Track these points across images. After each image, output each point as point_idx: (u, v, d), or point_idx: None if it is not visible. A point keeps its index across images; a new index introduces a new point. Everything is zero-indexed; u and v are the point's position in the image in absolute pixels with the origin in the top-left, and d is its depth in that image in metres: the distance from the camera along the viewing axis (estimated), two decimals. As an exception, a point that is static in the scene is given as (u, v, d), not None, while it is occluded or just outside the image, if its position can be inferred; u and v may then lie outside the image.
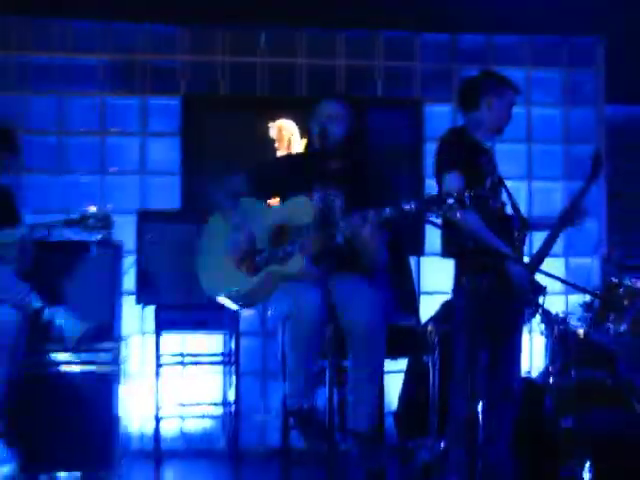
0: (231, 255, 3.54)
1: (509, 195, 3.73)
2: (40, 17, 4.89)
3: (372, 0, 4.65)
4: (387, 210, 3.30)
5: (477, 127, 3.63)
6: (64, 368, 3.99)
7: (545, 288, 3.95)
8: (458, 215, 3.19)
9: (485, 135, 3.65)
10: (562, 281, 4.00)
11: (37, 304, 3.55)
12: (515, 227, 3.63)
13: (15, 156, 3.85)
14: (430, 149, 4.22)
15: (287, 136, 5.00)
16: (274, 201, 3.74)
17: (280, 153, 4.94)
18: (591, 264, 4.68)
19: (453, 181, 3.47)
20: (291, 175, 3.50)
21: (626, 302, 3.77)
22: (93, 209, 3.77)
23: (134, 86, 5.03)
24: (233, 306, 3.71)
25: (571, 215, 3.72)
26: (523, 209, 4.92)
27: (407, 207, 3.27)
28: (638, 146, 5.16)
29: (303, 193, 3.32)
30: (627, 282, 3.81)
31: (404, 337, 4.29)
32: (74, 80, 4.98)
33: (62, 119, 4.99)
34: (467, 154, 3.53)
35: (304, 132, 4.85)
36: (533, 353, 4.74)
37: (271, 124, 5.00)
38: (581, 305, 4.13)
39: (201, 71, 5.07)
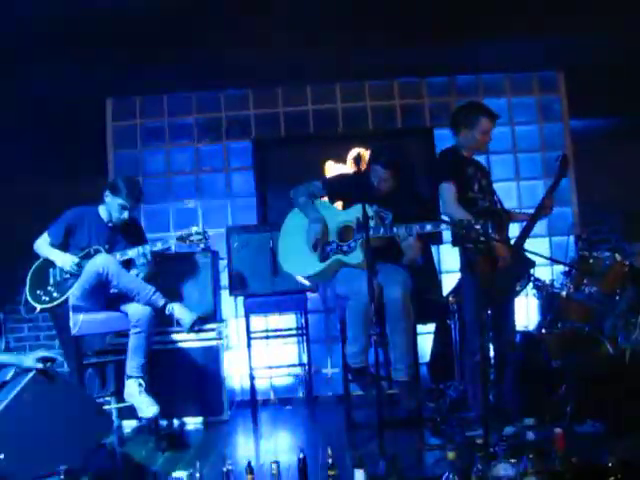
0: (309, 240, 3.58)
1: (496, 195, 3.73)
2: (152, 94, 5.07)
3: (389, 54, 4.62)
4: (428, 226, 3.33)
5: (461, 147, 3.64)
6: (183, 345, 4.14)
7: (534, 262, 3.94)
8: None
9: (468, 152, 3.64)
10: (545, 257, 4.00)
11: (161, 301, 3.59)
12: (500, 219, 3.61)
13: (139, 202, 3.93)
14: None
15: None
16: (339, 205, 3.79)
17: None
18: (567, 241, 4.63)
19: (447, 189, 3.49)
20: (355, 190, 3.46)
21: (595, 269, 3.73)
22: (195, 228, 3.86)
23: (218, 135, 5.13)
24: (305, 282, 3.75)
25: (545, 207, 3.70)
26: (514, 203, 4.96)
27: (444, 227, 3.32)
28: (594, 149, 5.05)
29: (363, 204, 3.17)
30: (595, 254, 3.78)
31: (431, 307, 4.31)
32: (176, 135, 5.14)
33: (169, 164, 5.14)
34: (456, 167, 3.54)
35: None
36: (529, 311, 4.67)
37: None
38: (562, 273, 4.08)
39: (266, 120, 5.13)
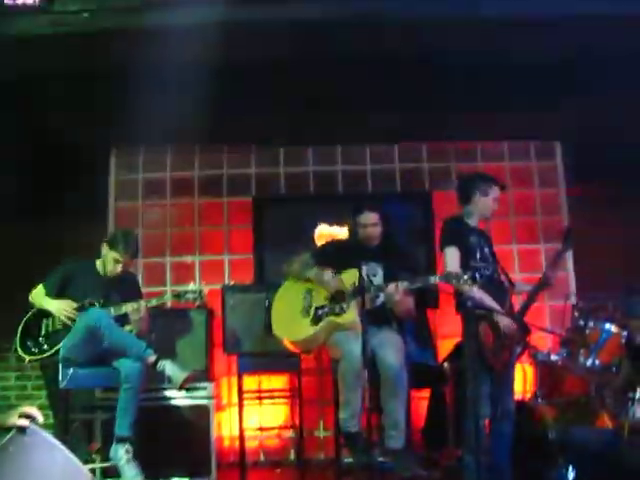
0: (309, 302, 3.66)
1: (499, 264, 3.74)
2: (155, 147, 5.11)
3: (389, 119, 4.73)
4: (417, 281, 3.37)
5: (469, 215, 3.67)
6: (173, 402, 4.03)
7: (530, 330, 3.89)
8: (470, 288, 3.25)
9: (475, 221, 3.68)
10: (541, 328, 3.99)
11: (153, 357, 3.56)
12: (503, 287, 3.61)
13: (134, 257, 3.95)
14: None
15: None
16: (329, 271, 3.79)
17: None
18: (564, 309, 4.61)
19: (450, 253, 3.52)
20: (345, 255, 3.61)
21: (592, 339, 3.70)
22: (191, 285, 3.85)
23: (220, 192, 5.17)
24: (295, 348, 3.72)
25: (548, 279, 3.69)
26: (510, 268, 4.94)
27: (432, 279, 3.36)
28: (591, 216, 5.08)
29: (354, 267, 3.31)
30: (591, 324, 3.74)
31: (426, 373, 4.26)
32: (176, 191, 5.16)
33: (169, 218, 5.15)
34: (460, 234, 3.57)
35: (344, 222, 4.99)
36: (525, 380, 4.60)
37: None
38: (559, 342, 3.99)
39: (266, 179, 5.18)
